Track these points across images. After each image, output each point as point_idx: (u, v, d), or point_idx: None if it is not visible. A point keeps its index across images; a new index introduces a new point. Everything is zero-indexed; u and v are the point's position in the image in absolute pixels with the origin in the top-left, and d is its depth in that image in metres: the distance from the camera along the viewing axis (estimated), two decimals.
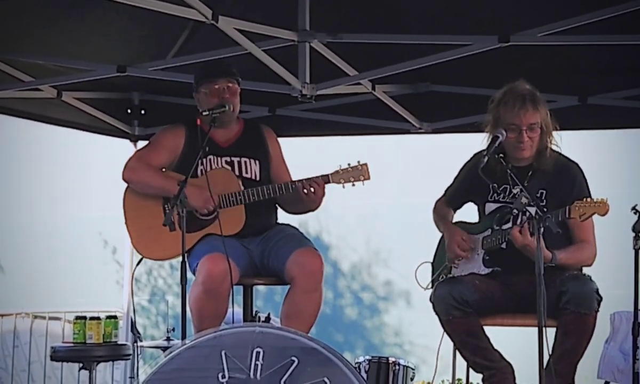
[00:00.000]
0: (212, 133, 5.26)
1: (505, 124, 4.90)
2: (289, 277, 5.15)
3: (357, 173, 5.26)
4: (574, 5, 5.17)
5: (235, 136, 5.45)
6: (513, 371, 4.94)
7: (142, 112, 7.28)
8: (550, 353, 4.68)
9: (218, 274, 5.02)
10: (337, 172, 5.26)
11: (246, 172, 5.36)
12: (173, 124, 5.55)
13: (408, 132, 7.11)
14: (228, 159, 5.38)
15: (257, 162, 5.38)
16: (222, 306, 5.04)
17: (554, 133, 5.02)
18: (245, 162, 5.37)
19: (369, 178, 5.24)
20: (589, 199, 4.71)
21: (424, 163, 9.69)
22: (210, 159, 5.35)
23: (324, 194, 5.30)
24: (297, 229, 5.45)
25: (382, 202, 10.28)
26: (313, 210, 5.44)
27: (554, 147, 5.03)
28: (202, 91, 5.40)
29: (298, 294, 5.09)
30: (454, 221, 5.31)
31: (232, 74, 5.40)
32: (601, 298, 4.80)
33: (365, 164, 5.24)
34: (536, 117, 4.91)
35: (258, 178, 5.36)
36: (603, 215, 4.64)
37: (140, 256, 5.46)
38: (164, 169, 5.42)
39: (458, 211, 5.35)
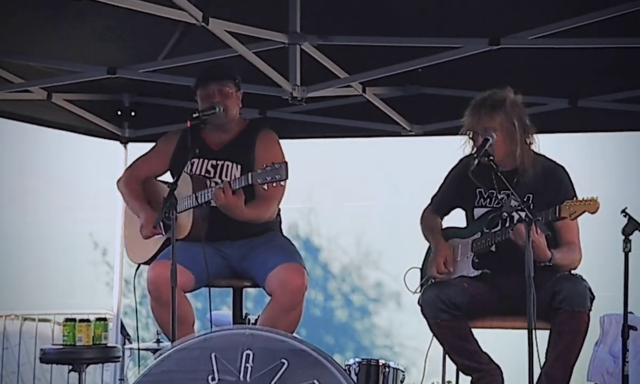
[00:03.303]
0: (205, 135, 5.35)
1: (472, 131, 4.94)
2: (268, 290, 5.14)
3: (274, 173, 4.79)
4: (564, 8, 5.18)
5: (229, 139, 5.42)
6: (502, 373, 4.95)
7: (133, 114, 7.27)
8: (544, 357, 4.69)
9: (159, 281, 5.06)
10: (254, 172, 4.89)
11: (225, 176, 5.33)
12: (173, 130, 5.62)
13: (399, 134, 7.11)
14: (214, 162, 5.37)
15: (238, 166, 5.33)
16: (179, 311, 4.82)
17: (536, 136, 5.04)
18: (228, 166, 5.34)
19: (286, 177, 4.76)
20: (579, 198, 4.72)
21: (414, 165, 9.69)
22: (195, 162, 5.35)
23: (229, 202, 5.01)
24: (289, 240, 5.44)
25: (372, 204, 10.28)
26: (241, 219, 5.17)
27: (536, 150, 5.04)
28: (197, 97, 5.41)
29: (276, 310, 5.07)
30: (443, 227, 5.31)
31: (223, 76, 5.36)
32: (594, 297, 4.83)
33: (285, 163, 4.78)
34: (491, 122, 4.92)
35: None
36: (593, 213, 4.63)
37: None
38: (159, 177, 5.57)
39: (446, 217, 5.36)
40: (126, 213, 5.70)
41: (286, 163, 4.78)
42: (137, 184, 5.58)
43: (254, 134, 5.42)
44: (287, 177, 4.79)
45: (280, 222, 5.54)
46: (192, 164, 5.34)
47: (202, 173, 5.34)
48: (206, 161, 5.36)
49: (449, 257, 5.12)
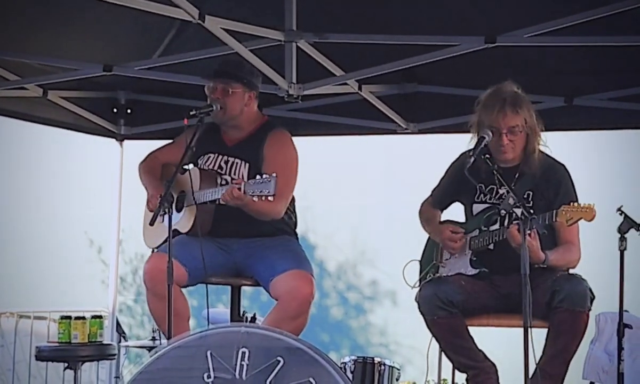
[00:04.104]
0: (223, 132, 5.41)
1: (487, 127, 4.88)
2: (274, 294, 5.13)
3: (263, 186, 4.78)
4: (560, 6, 5.18)
5: (243, 137, 5.41)
6: (497, 371, 4.95)
7: (128, 111, 7.28)
8: (541, 354, 4.69)
9: (154, 273, 5.09)
10: (247, 182, 4.88)
11: (234, 174, 5.34)
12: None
13: (394, 132, 7.10)
14: (226, 158, 5.38)
15: (247, 165, 5.32)
16: (174, 306, 4.80)
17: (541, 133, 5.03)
18: (237, 163, 5.35)
19: (274, 194, 4.76)
20: (576, 204, 4.71)
21: (410, 163, 9.69)
22: (211, 156, 5.37)
23: (237, 200, 4.95)
24: (300, 246, 5.43)
25: (368, 202, 10.28)
26: (251, 211, 5.12)
27: (542, 149, 5.03)
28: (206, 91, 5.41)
29: (281, 316, 5.03)
30: (441, 220, 5.30)
31: (228, 76, 5.32)
32: (594, 296, 4.82)
33: (274, 177, 4.74)
34: (516, 120, 4.88)
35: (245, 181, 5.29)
36: (589, 221, 4.65)
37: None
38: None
39: (445, 211, 5.35)
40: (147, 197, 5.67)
41: (275, 177, 4.74)
42: (155, 164, 5.57)
43: (265, 133, 5.39)
44: (274, 193, 4.76)
45: (295, 224, 5.51)
46: (207, 158, 5.37)
47: (215, 168, 5.35)
48: (220, 156, 5.38)
49: (452, 228, 5.11)
